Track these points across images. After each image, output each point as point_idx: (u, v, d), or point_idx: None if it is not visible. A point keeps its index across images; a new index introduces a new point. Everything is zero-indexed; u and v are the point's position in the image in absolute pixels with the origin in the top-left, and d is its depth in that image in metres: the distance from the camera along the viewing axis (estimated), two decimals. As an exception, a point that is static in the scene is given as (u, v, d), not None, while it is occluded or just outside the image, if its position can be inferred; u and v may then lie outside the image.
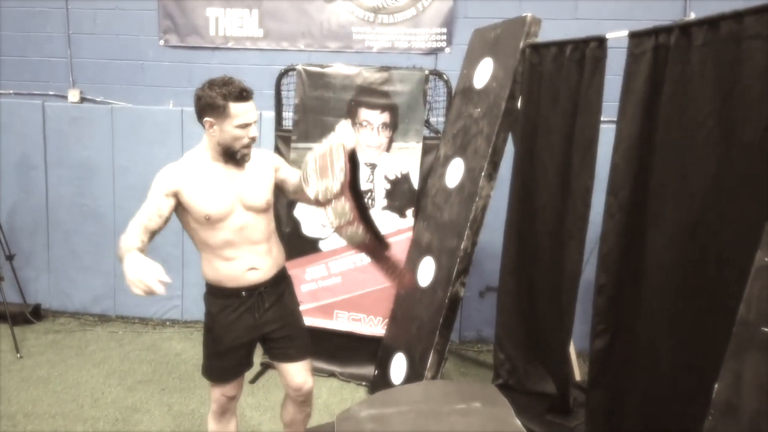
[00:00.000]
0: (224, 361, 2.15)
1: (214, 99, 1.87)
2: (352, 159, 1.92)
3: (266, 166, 2.11)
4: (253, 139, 1.96)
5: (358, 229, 1.88)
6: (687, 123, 1.93)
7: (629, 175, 2.14)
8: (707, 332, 1.90)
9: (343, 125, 1.94)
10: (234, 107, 1.89)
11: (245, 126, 1.92)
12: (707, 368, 1.93)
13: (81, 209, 4.28)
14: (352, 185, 1.98)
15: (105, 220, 4.25)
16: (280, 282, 2.19)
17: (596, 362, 2.28)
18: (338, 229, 1.89)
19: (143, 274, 1.64)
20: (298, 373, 2.20)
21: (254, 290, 2.09)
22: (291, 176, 2.15)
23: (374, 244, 1.98)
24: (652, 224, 2.06)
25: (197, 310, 4.26)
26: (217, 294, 2.09)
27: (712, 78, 1.86)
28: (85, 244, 4.30)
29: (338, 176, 1.82)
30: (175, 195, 1.95)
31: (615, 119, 2.23)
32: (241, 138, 1.93)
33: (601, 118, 2.38)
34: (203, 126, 1.96)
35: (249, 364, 2.25)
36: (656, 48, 2.05)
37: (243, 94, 1.90)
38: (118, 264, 4.14)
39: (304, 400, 2.27)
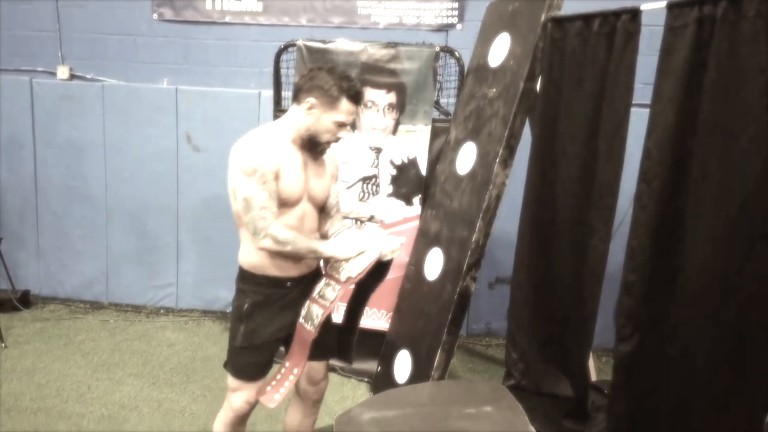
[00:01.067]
0: (259, 356, 1.99)
1: (331, 86, 1.84)
2: (381, 269, 1.96)
3: (331, 166, 2.08)
4: (338, 140, 1.94)
5: (317, 318, 1.89)
6: (735, 104, 1.72)
7: (664, 162, 1.92)
8: (754, 337, 1.72)
9: (396, 241, 1.98)
10: (345, 104, 1.86)
11: (342, 126, 1.90)
12: (752, 379, 1.76)
13: (71, 191, 4.09)
14: (363, 291, 2.05)
15: (96, 202, 4.07)
16: (318, 276, 2.08)
17: (621, 367, 2.08)
18: (311, 298, 1.94)
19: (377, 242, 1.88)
20: (319, 370, 2.15)
21: (299, 282, 1.98)
22: (332, 194, 2.10)
23: (309, 342, 1.94)
24: (691, 216, 1.85)
25: (192, 298, 4.11)
26: (260, 282, 1.95)
27: (766, 53, 1.65)
28: (76, 227, 4.13)
29: (352, 270, 1.85)
30: (277, 176, 1.83)
31: (644, 103, 2.02)
32: (332, 133, 1.90)
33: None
34: (299, 102, 1.89)
35: (272, 364, 2.11)
36: (700, 20, 1.82)
37: (358, 97, 1.89)
38: (111, 248, 4.07)
39: (318, 399, 2.23)
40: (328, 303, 1.89)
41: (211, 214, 3.97)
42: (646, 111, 1.99)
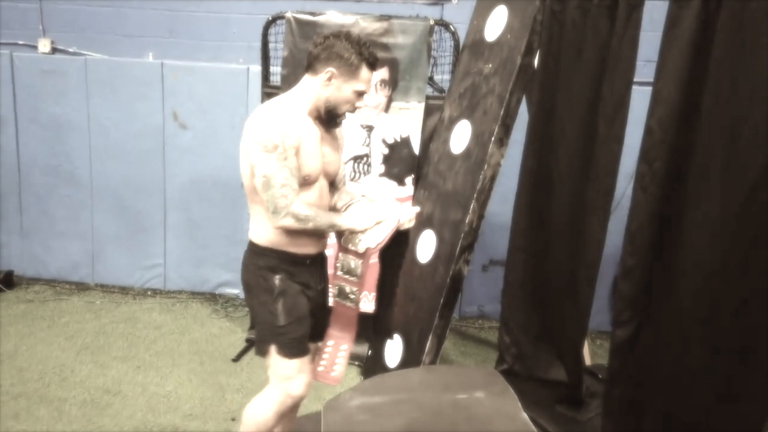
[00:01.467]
0: (305, 328, 1.91)
1: (351, 54, 1.77)
2: (400, 236, 1.98)
3: (341, 140, 2.04)
4: (355, 110, 1.89)
5: (351, 294, 1.90)
6: (744, 79, 1.63)
7: (667, 142, 1.84)
8: (760, 319, 1.65)
9: (413, 210, 2.03)
10: (365, 72, 1.81)
11: (361, 94, 1.85)
12: (756, 364, 1.70)
13: (55, 170, 3.97)
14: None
15: (81, 181, 3.96)
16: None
17: (618, 353, 2.02)
18: (336, 277, 1.95)
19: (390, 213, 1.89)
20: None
21: (316, 259, 1.97)
22: (341, 166, 2.07)
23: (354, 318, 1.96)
24: (693, 199, 1.77)
25: (180, 279, 4.03)
26: (284, 259, 1.88)
27: (779, 25, 1.55)
28: (61, 207, 4.02)
29: (371, 241, 1.85)
30: (297, 152, 1.76)
31: (645, 81, 1.93)
32: (351, 103, 1.85)
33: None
34: (316, 73, 1.81)
35: None
36: (707, -10, 1.73)
37: (376, 63, 1.84)
38: (97, 228, 3.97)
39: None
40: (356, 278, 1.89)
41: (199, 193, 3.87)
42: (648, 89, 1.91)
